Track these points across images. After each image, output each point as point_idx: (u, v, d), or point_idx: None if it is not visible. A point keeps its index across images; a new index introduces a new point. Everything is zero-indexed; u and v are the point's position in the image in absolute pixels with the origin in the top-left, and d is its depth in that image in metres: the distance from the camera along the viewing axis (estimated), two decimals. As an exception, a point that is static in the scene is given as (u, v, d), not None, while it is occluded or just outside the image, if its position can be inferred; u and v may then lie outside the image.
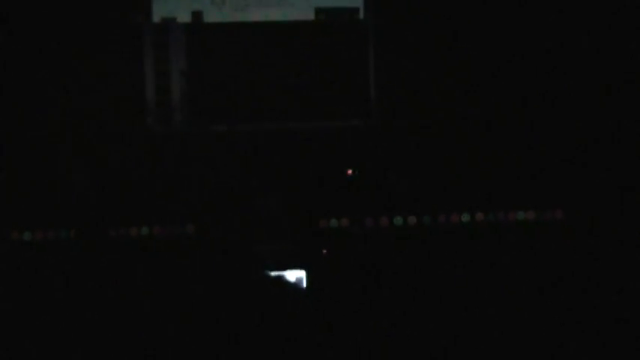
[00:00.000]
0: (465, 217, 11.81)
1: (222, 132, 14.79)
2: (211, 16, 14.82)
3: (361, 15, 14.99)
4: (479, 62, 15.02)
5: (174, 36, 15.06)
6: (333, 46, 14.81)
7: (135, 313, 3.97)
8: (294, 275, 4.59)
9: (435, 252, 5.15)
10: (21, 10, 13.87)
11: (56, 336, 3.86)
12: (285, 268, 4.54)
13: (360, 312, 4.00)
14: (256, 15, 14.76)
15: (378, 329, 3.98)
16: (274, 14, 14.79)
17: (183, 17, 14.86)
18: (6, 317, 4.03)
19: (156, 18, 14.94)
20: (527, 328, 3.99)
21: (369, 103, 15.17)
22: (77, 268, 4.42)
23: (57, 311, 4.01)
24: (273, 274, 4.61)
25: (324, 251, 5.32)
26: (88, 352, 3.78)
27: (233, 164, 14.27)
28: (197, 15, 14.86)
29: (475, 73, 15.05)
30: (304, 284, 4.59)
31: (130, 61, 15.03)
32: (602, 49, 13.02)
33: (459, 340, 3.92)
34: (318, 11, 14.92)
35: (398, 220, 11.77)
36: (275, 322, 3.84)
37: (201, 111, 14.98)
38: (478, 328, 3.94)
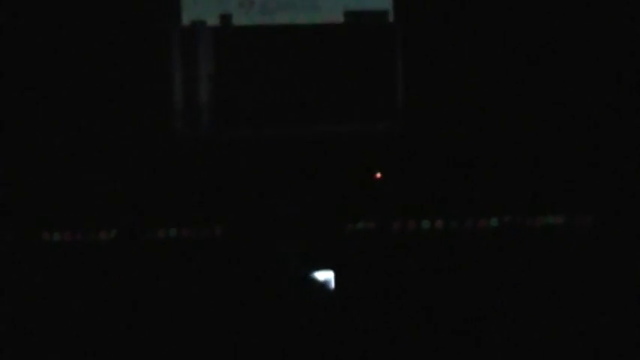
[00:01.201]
0: (494, 222, 11.74)
1: (249, 135, 14.80)
2: (240, 19, 14.81)
3: (390, 18, 14.94)
4: (507, 67, 14.93)
5: (203, 39, 15.08)
6: (362, 49, 14.76)
7: (162, 313, 4.00)
8: (323, 276, 4.58)
9: (461, 256, 5.11)
10: (54, 13, 13.95)
11: (84, 331, 3.90)
12: (313, 269, 4.53)
13: (388, 313, 4.00)
14: (285, 18, 14.72)
15: (405, 330, 3.97)
16: (303, 17, 14.74)
17: (212, 20, 14.86)
18: (35, 314, 4.07)
19: (185, 21, 14.96)
20: (554, 331, 3.97)
21: (396, 106, 15.12)
22: (105, 268, 4.44)
23: (85, 310, 4.04)
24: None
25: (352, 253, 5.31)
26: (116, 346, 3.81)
27: (260, 166, 14.27)
28: (226, 18, 14.86)
29: (503, 78, 14.96)
30: (332, 285, 4.58)
31: (158, 64, 15.08)
32: (633, 56, 12.89)
33: (485, 341, 3.91)
34: (347, 14, 14.85)
35: (425, 224, 11.73)
36: (303, 320, 3.86)
37: (228, 114, 15.00)
38: (505, 330, 3.92)
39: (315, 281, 4.61)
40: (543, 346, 3.86)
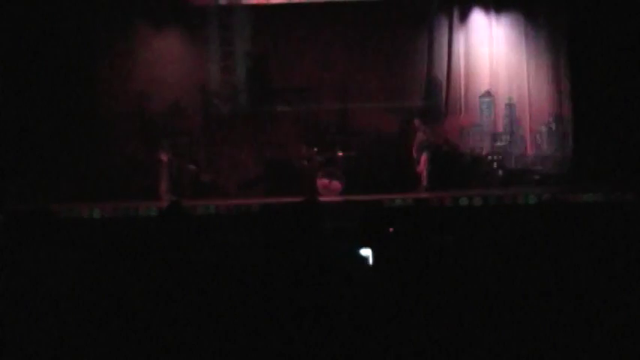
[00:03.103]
0: (532, 199, 11.66)
1: (286, 112, 14.83)
2: (278, -3, 14.64)
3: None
4: (543, 42, 14.75)
5: (240, 17, 15.07)
6: (399, 26, 14.68)
7: (208, 285, 4.07)
8: (362, 253, 4.63)
9: (500, 232, 5.11)
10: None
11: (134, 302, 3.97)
12: (352, 246, 4.57)
13: (424, 291, 4.04)
14: (322, -5, 14.59)
15: (443, 305, 4.01)
16: (340, -6, 14.57)
17: (250, -2, 14.73)
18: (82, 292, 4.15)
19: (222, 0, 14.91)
20: (592, 307, 3.97)
21: (433, 82, 15.01)
22: (146, 241, 4.52)
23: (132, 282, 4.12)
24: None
25: (390, 230, 5.32)
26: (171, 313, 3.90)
27: (297, 144, 14.28)
28: (263, -4, 14.69)
29: (537, 54, 14.81)
30: (370, 262, 4.62)
31: (195, 42, 15.10)
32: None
33: (521, 316, 3.93)
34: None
35: (463, 201, 11.68)
36: (345, 291, 3.93)
37: (265, 91, 15.00)
38: (541, 305, 3.94)
39: (356, 257, 4.65)
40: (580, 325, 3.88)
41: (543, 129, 14.92)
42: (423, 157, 13.58)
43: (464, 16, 14.87)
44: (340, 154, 13.81)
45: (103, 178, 14.10)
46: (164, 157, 13.23)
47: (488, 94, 14.86)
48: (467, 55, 14.90)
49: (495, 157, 14.62)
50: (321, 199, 12.76)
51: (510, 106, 14.92)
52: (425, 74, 15.06)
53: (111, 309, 3.98)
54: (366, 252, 4.90)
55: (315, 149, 13.95)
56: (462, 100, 14.93)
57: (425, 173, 13.58)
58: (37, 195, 12.22)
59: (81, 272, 4.21)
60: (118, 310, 3.97)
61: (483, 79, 14.85)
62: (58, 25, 13.75)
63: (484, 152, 14.72)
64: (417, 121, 13.82)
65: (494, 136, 14.91)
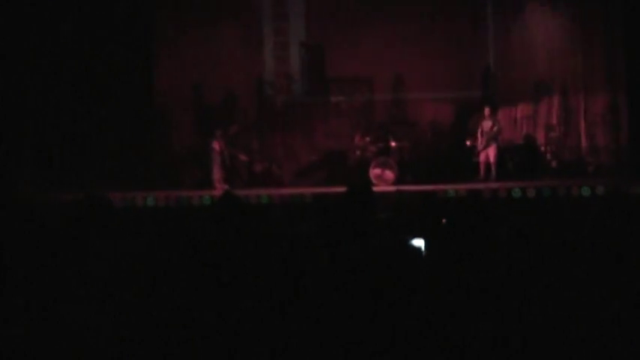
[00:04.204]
0: (586, 191, 11.55)
1: (340, 102, 14.85)
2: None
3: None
4: (598, 32, 14.58)
5: (295, 7, 15.10)
6: (452, 15, 14.61)
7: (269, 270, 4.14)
8: (415, 243, 4.64)
9: (554, 224, 5.07)
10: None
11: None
12: (405, 237, 4.59)
13: (477, 282, 4.05)
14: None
15: (496, 296, 4.02)
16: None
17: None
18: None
19: (277, -12, 14.94)
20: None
21: (487, 73, 14.91)
22: (199, 229, 4.59)
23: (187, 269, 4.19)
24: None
25: (443, 220, 5.33)
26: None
27: (351, 134, 14.31)
28: (317, -15, 14.68)
29: (591, 44, 14.63)
30: (423, 253, 4.63)
31: (250, 32, 15.18)
32: None
33: (573, 310, 3.91)
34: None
35: (516, 192, 11.63)
36: (399, 279, 3.96)
37: (320, 81, 15.02)
38: (595, 297, 3.92)
39: (409, 247, 4.68)
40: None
41: (598, 120, 14.76)
42: (493, 147, 13.58)
43: (518, 6, 14.77)
44: (394, 144, 13.86)
45: (158, 167, 14.32)
46: (218, 147, 13.40)
47: (542, 84, 14.75)
48: (521, 44, 14.80)
49: (549, 148, 14.48)
50: (374, 189, 12.80)
51: (565, 96, 14.80)
52: (478, 64, 14.99)
53: (164, 298, 4.05)
54: (419, 243, 4.91)
55: (369, 139, 14.01)
56: (516, 90, 14.84)
57: (493, 163, 13.56)
58: (92, 183, 12.41)
59: (135, 261, 4.28)
60: (171, 300, 4.04)
61: (538, 70, 14.76)
62: (114, 15, 13.96)
63: (538, 143, 14.59)
64: (487, 110, 13.82)
65: (548, 127, 14.81)
